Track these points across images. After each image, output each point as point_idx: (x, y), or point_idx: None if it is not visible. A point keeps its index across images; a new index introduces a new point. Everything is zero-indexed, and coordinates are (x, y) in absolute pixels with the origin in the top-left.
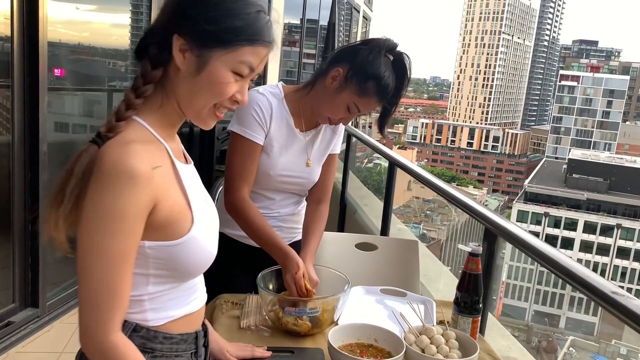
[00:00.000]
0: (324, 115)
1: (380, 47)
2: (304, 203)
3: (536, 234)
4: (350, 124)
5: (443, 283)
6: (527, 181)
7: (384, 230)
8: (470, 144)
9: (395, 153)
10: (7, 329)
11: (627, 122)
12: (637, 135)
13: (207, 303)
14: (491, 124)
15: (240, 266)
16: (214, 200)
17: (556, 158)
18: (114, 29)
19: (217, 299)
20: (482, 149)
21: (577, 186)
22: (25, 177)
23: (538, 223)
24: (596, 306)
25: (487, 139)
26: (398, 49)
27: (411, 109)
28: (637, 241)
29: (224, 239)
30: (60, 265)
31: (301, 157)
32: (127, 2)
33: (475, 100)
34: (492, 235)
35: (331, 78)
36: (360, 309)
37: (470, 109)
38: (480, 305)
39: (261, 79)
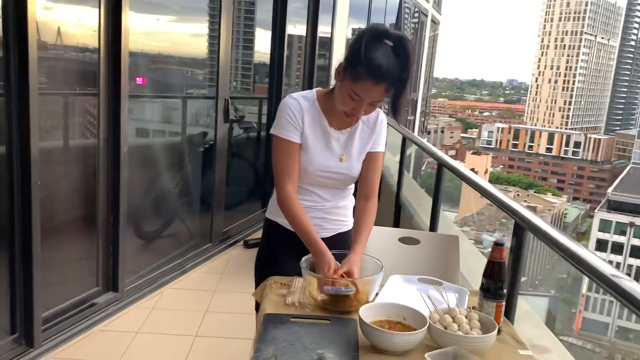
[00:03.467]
0: (338, 109)
1: (364, 34)
2: (350, 198)
3: (620, 245)
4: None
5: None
6: (610, 189)
7: (433, 226)
8: (549, 150)
9: (443, 153)
10: (91, 309)
11: None
12: None
13: (259, 284)
14: (572, 129)
15: (290, 251)
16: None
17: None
18: (192, 38)
19: (268, 280)
20: (562, 155)
21: None
22: (108, 175)
23: (622, 233)
24: None
25: (567, 144)
26: (395, 33)
27: (486, 113)
28: None
29: (276, 227)
30: (137, 256)
31: (335, 154)
32: (204, 13)
33: (555, 103)
34: (521, 228)
35: (336, 73)
36: (396, 293)
37: (550, 112)
38: (505, 291)
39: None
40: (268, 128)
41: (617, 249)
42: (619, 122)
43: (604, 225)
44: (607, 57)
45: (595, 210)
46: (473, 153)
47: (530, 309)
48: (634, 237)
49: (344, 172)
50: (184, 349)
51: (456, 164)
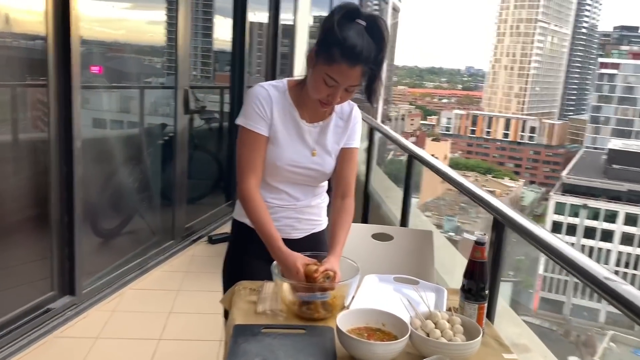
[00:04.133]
0: (312, 97)
1: (334, 13)
2: (324, 196)
3: (574, 226)
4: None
5: (459, 272)
6: (564, 172)
7: (404, 222)
8: (506, 135)
9: (413, 145)
10: (46, 315)
11: None
12: None
13: (227, 289)
14: (528, 114)
15: (261, 255)
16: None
17: (595, 148)
18: (149, 25)
19: (236, 285)
20: (518, 140)
21: (618, 177)
22: (61, 171)
23: (576, 215)
24: None
25: (523, 130)
26: (367, 12)
27: (445, 100)
28: None
29: (244, 228)
30: (95, 256)
31: (307, 148)
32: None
33: (512, 90)
34: (501, 225)
35: (308, 59)
36: (372, 295)
37: (506, 99)
38: (486, 292)
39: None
40: (231, 118)
41: (572, 230)
42: (572, 108)
43: (559, 208)
44: (560, 45)
45: (551, 194)
46: (433, 140)
47: (504, 301)
48: (587, 218)
49: (316, 167)
50: (147, 354)
51: (429, 157)
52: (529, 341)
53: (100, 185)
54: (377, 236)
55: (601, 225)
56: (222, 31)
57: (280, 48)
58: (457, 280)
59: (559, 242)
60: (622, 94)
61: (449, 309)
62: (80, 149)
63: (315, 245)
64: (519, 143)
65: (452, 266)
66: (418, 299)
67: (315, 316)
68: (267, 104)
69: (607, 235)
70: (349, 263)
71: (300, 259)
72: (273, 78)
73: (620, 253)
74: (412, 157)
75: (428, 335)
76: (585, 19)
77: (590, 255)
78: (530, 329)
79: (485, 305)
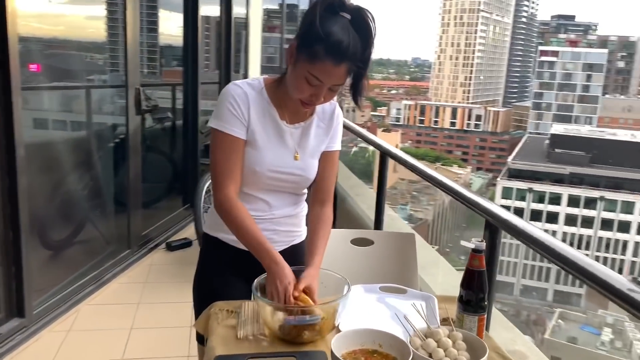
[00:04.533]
0: (293, 96)
1: (317, 5)
2: (303, 204)
3: (521, 210)
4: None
5: (441, 274)
6: (510, 158)
7: (378, 223)
8: (453, 124)
9: (385, 142)
10: None
11: (607, 95)
12: (616, 108)
13: (200, 311)
14: (473, 103)
15: (235, 272)
16: (200, 196)
17: (538, 134)
18: (93, 21)
19: (210, 307)
20: (465, 128)
21: (560, 161)
22: (2, 184)
23: (522, 199)
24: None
25: (469, 118)
26: (351, 4)
27: (394, 91)
28: (620, 212)
29: (217, 243)
30: (45, 272)
31: (289, 151)
32: None
33: (457, 79)
34: (494, 227)
35: (287, 55)
36: (360, 309)
37: (452, 88)
38: (486, 303)
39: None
40: (185, 117)
41: (519, 214)
42: (515, 95)
43: (506, 192)
44: (502, 34)
45: (498, 179)
46: (384, 130)
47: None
48: (532, 201)
49: (299, 172)
50: None
51: (407, 157)
52: (525, 347)
53: (47, 195)
54: (356, 241)
55: (546, 207)
56: (168, 25)
57: (234, 42)
58: (440, 283)
59: (558, 242)
60: (561, 80)
61: (444, 320)
62: (24, 157)
63: (295, 258)
64: (466, 131)
65: (431, 266)
66: (408, 310)
67: (304, 339)
68: (243, 103)
69: (552, 217)
70: (335, 277)
71: (293, 275)
72: (227, 74)
73: (565, 234)
74: (386, 155)
75: (430, 356)
76: (525, 8)
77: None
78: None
79: (485, 316)
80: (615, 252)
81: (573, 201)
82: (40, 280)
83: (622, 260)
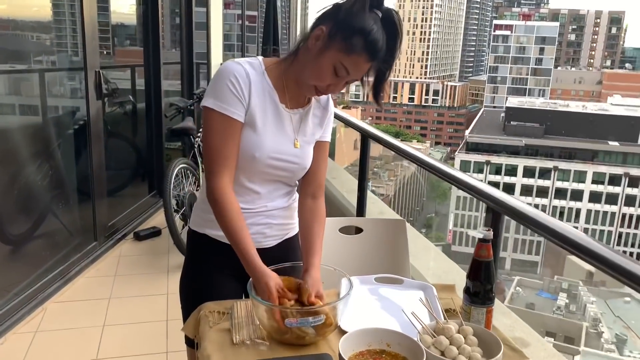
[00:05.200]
0: (309, 83)
1: (364, 1)
2: (296, 196)
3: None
4: None
5: (431, 259)
6: (467, 132)
7: (360, 208)
8: (411, 99)
9: (367, 124)
10: None
11: (559, 68)
12: (568, 80)
13: (189, 313)
14: (431, 78)
15: (225, 270)
16: (169, 183)
17: (494, 107)
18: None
19: (200, 309)
20: (423, 104)
21: (515, 133)
22: None
23: (480, 171)
24: (538, 245)
25: (427, 93)
26: (383, 3)
27: None
28: (573, 182)
29: (206, 241)
30: (6, 270)
31: (288, 137)
32: None
33: (414, 55)
34: (496, 214)
35: (314, 38)
36: (358, 304)
37: (410, 64)
38: (494, 294)
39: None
40: (148, 100)
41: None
42: (471, 70)
43: (465, 166)
44: (457, 8)
45: (456, 153)
46: (344, 108)
47: None
48: (489, 173)
49: (297, 160)
50: None
51: (392, 139)
52: (524, 333)
53: (3, 186)
54: (344, 230)
55: (503, 179)
56: (119, 3)
57: (195, 18)
58: (431, 269)
59: (564, 225)
60: (515, 54)
61: (446, 310)
62: None
63: (288, 253)
64: (424, 106)
65: (419, 251)
66: (408, 302)
67: (306, 341)
68: (244, 83)
69: (508, 188)
70: (333, 272)
71: (273, 279)
72: (190, 53)
73: None
74: (367, 137)
75: (443, 354)
76: None
77: None
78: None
79: (493, 307)
80: (568, 220)
81: (528, 172)
82: (2, 280)
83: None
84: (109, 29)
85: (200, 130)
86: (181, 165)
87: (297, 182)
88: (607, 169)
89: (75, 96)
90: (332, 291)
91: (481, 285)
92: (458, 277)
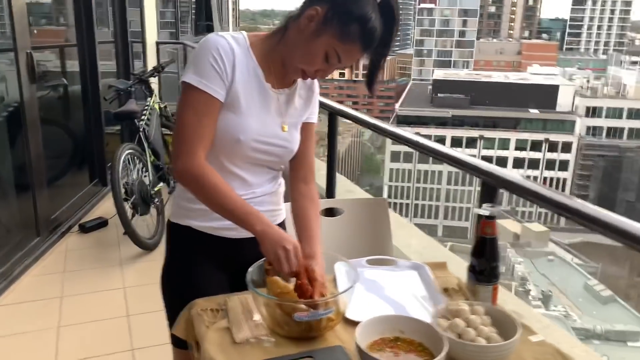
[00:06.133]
0: (297, 66)
1: None
2: (281, 180)
3: (410, 154)
4: None
5: (407, 236)
6: (397, 105)
7: (330, 189)
8: (342, 75)
9: (334, 102)
10: None
11: (481, 39)
12: (490, 51)
13: (174, 312)
14: None
15: (212, 263)
16: (117, 172)
17: (422, 80)
18: None
19: (190, 307)
20: (353, 79)
21: (443, 104)
22: None
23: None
24: (467, 212)
25: (357, 68)
26: None
27: None
28: (497, 149)
29: (190, 233)
30: None
31: (275, 120)
32: None
33: None
34: (491, 188)
35: (307, 18)
36: (356, 290)
37: None
38: (499, 271)
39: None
40: (84, 82)
41: (408, 157)
42: (399, 43)
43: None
44: None
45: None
46: None
47: None
48: None
49: (284, 144)
50: None
51: (359, 114)
52: (517, 307)
53: None
54: (325, 212)
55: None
56: None
57: None
58: (412, 246)
59: (558, 194)
60: (440, 27)
61: (444, 290)
62: None
63: None
64: (355, 81)
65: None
66: (404, 283)
67: (313, 334)
68: (228, 59)
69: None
70: (327, 257)
71: (293, 243)
72: (124, 30)
73: (450, 173)
74: (335, 115)
75: (460, 336)
76: None
77: (425, 179)
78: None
79: (499, 285)
80: None
81: (456, 142)
82: None
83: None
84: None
85: (144, 112)
86: (128, 152)
87: (282, 166)
88: (529, 136)
89: (3, 80)
90: (328, 277)
91: (487, 263)
92: (439, 253)
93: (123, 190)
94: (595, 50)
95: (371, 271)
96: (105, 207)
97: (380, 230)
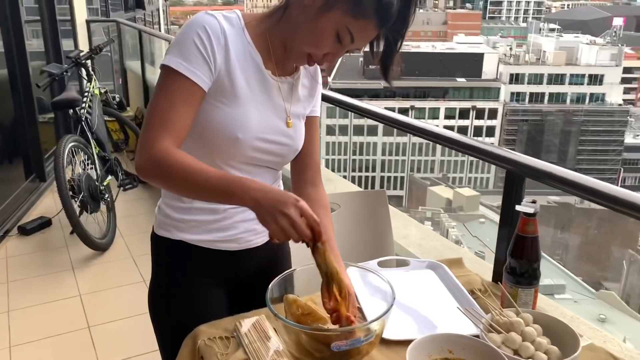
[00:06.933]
0: (302, 49)
1: None
2: (281, 182)
3: (345, 126)
4: None
5: (402, 227)
6: (330, 78)
7: None
8: None
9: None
10: None
11: None
12: (417, 21)
13: (173, 341)
14: None
15: (209, 280)
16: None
17: (352, 53)
18: None
19: (194, 336)
20: None
21: (374, 77)
22: None
23: (345, 116)
24: (402, 181)
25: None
26: None
27: None
28: (428, 118)
29: (182, 247)
30: None
31: (277, 112)
32: None
33: (271, 2)
34: (518, 177)
35: None
36: (375, 298)
37: (267, 5)
38: (540, 271)
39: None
40: (11, 66)
41: (344, 130)
42: None
43: (331, 112)
44: None
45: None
46: None
47: None
48: (354, 118)
49: (289, 142)
50: None
51: (348, 98)
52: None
53: None
54: None
55: (367, 122)
56: None
57: None
58: (411, 237)
59: (594, 181)
60: None
61: (471, 292)
62: None
63: (278, 250)
64: None
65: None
66: (427, 287)
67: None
68: (218, 42)
69: (371, 130)
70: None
71: (299, 200)
72: (52, 6)
73: (384, 143)
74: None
75: (516, 352)
76: None
77: (361, 152)
78: None
79: (538, 287)
80: (427, 155)
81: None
82: None
83: (432, 161)
84: None
85: (84, 98)
86: (72, 144)
87: (282, 167)
88: (457, 104)
89: None
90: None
91: (528, 264)
92: (438, 243)
93: (69, 187)
94: (516, 19)
95: (385, 275)
96: (46, 204)
97: (380, 224)
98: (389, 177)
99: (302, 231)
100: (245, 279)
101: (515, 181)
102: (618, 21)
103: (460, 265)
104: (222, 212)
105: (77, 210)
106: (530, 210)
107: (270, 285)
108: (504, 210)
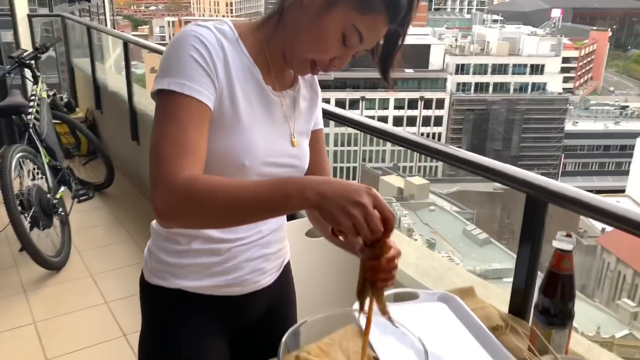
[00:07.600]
0: (305, 56)
1: None
2: None
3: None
4: None
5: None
6: None
7: None
8: None
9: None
10: None
11: None
12: None
13: None
14: (237, 16)
15: (211, 329)
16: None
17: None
18: None
19: None
20: None
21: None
22: None
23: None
24: (354, 171)
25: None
26: None
27: (153, 8)
28: (378, 109)
29: (180, 297)
30: None
31: (282, 133)
32: None
33: (218, 6)
34: (540, 202)
35: None
36: (393, 341)
37: (214, 2)
38: (574, 310)
39: None
40: None
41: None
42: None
43: None
44: None
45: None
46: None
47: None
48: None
49: (296, 162)
50: None
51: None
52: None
53: None
54: (311, 233)
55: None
56: None
57: None
58: (413, 263)
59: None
60: None
61: (493, 329)
62: None
63: (287, 285)
64: None
65: None
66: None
67: None
68: (217, 56)
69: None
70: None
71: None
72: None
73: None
74: None
75: None
76: None
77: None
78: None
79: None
80: (377, 145)
81: (340, 104)
82: None
83: (384, 151)
84: None
85: (31, 103)
86: (19, 154)
87: None
88: (406, 95)
89: None
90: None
91: (562, 304)
92: (436, 263)
93: (18, 202)
94: (461, 10)
95: (393, 310)
96: None
97: None
98: (341, 168)
99: (376, 224)
100: (250, 325)
101: (536, 207)
102: (556, 13)
103: (472, 295)
104: (224, 253)
105: (28, 227)
106: (569, 248)
107: (283, 340)
108: (524, 238)
